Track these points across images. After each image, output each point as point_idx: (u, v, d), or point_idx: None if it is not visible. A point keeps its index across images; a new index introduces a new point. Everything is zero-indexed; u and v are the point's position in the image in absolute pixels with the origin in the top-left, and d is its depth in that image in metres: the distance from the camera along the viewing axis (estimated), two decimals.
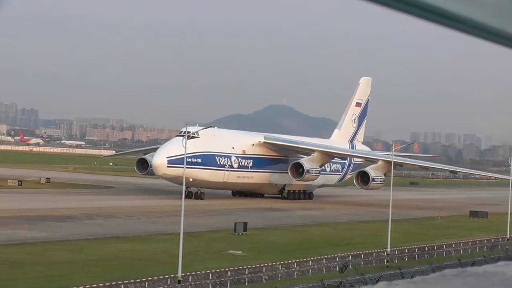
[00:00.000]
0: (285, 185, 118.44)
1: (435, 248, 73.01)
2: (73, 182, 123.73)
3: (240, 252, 63.93)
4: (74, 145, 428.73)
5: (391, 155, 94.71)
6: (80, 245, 61.70)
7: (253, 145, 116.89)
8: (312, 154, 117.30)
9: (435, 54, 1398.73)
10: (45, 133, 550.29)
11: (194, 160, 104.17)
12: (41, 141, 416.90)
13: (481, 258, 61.57)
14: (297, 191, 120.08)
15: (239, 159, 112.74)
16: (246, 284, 52.48)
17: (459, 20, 3.48)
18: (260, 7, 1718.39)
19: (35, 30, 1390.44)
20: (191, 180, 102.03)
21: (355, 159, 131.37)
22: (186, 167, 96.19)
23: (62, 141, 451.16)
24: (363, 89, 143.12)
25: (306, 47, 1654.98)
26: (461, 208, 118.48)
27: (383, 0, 3.32)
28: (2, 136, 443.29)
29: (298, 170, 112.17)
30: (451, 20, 3.45)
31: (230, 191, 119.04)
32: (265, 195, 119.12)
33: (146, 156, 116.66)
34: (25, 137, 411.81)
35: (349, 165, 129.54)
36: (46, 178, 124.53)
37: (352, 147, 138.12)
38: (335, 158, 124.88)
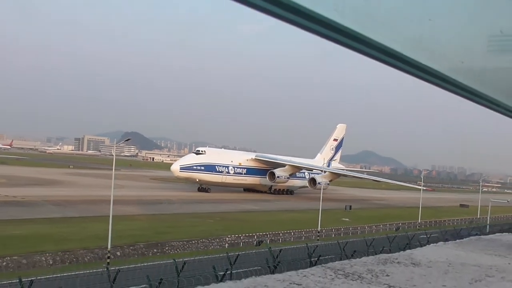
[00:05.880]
0: (272, 185, 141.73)
1: (442, 221, 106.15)
2: None
3: (348, 219, 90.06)
4: None
5: (419, 184, 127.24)
6: (273, 214, 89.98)
7: (247, 160, 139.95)
8: (285, 166, 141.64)
9: None
10: None
11: (199, 167, 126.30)
12: None
13: (465, 227, 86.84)
14: (281, 189, 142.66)
15: (235, 168, 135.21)
16: (350, 234, 76.77)
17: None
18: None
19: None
20: (197, 180, 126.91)
21: (330, 170, 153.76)
22: (194, 172, 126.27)
23: None
24: (339, 131, 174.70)
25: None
26: (457, 202, 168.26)
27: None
28: None
29: (273, 176, 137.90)
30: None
31: (242, 189, 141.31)
32: (267, 191, 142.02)
33: None
34: None
35: None
36: None
37: (329, 165, 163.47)
38: (310, 171, 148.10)
